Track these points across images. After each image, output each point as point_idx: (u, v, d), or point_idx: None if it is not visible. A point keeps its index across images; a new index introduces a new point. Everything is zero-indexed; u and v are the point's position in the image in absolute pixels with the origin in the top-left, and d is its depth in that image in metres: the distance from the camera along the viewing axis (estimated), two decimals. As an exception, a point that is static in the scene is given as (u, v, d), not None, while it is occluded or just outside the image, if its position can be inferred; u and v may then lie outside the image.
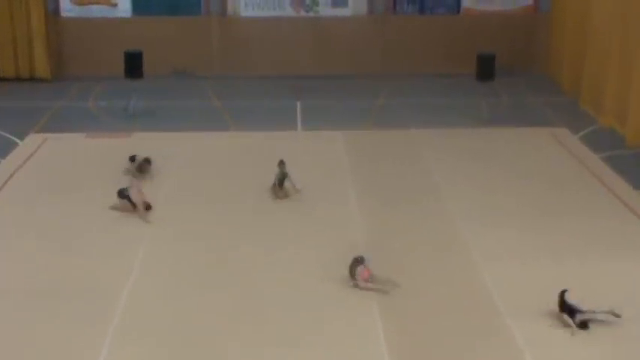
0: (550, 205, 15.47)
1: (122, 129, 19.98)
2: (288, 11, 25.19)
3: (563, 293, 11.43)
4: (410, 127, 20.10)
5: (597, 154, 18.20)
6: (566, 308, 11.31)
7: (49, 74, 24.45)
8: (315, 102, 22.41)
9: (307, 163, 17.26)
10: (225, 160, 17.99)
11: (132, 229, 14.38)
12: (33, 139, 19.12)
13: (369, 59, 25.14)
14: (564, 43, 23.24)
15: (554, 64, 24.24)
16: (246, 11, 25.14)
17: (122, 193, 15.02)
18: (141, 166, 16.73)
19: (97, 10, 24.84)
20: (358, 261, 12.38)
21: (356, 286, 12.29)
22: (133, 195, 14.95)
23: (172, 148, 18.42)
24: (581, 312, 11.24)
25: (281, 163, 15.79)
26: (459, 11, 25.34)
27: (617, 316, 11.33)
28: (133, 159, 16.83)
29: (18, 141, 19.01)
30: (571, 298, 11.38)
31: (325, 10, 25.20)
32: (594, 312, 11.29)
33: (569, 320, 11.20)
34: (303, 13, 25.25)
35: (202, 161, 17.91)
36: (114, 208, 15.06)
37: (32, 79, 24.39)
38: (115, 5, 24.86)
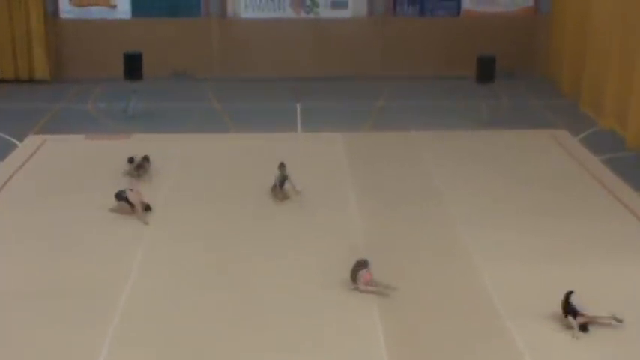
0: (550, 208, 15.45)
1: (121, 131, 19.96)
2: (288, 12, 25.18)
3: (568, 295, 11.39)
4: (410, 129, 20.08)
5: (597, 157, 18.18)
6: (570, 310, 11.27)
7: (49, 76, 24.44)
8: (314, 104, 22.39)
9: (307, 165, 17.23)
10: (224, 161, 17.96)
11: (131, 231, 14.35)
12: (32, 141, 19.10)
13: (369, 61, 25.12)
14: (564, 45, 23.23)
15: (554, 65, 24.22)
16: (246, 12, 25.13)
17: (120, 196, 15.00)
18: (139, 165, 16.75)
19: (96, 12, 24.81)
20: (362, 264, 12.35)
21: (356, 289, 12.26)
22: (131, 196, 14.94)
23: (172, 150, 18.40)
24: (581, 315, 11.21)
25: (281, 166, 15.77)
26: (459, 13, 25.34)
27: (619, 320, 11.30)
28: (131, 160, 16.83)
29: (17, 142, 18.98)
30: (575, 301, 11.35)
31: (325, 11, 25.19)
32: (595, 317, 11.27)
33: (574, 323, 11.17)
34: (303, 15, 25.24)
35: (202, 163, 17.88)
36: (113, 210, 15.04)
37: (31, 80, 24.38)
38: (114, 7, 24.84)
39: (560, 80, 23.56)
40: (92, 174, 17.04)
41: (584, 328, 11.19)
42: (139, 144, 18.51)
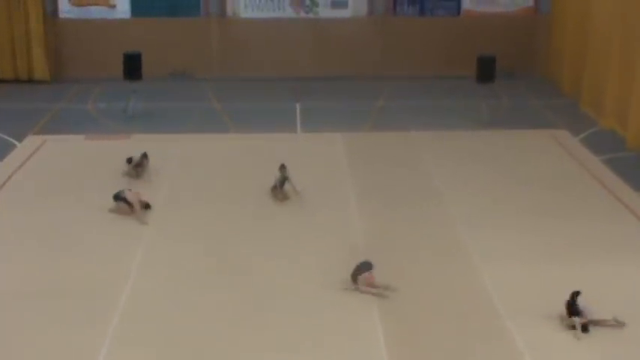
0: (550, 208, 15.43)
1: (121, 131, 19.94)
2: (288, 12, 25.17)
3: (575, 295, 11.35)
4: (410, 129, 20.07)
5: (598, 157, 18.17)
6: (574, 311, 11.25)
7: (48, 76, 24.42)
8: (314, 104, 22.38)
9: (307, 165, 17.22)
10: (224, 161, 17.95)
11: (130, 231, 14.34)
12: (32, 141, 19.08)
13: (369, 61, 25.11)
14: (564, 45, 23.22)
15: (554, 65, 24.22)
16: (245, 12, 25.12)
17: (118, 196, 14.99)
18: (138, 163, 16.75)
19: (95, 12, 24.80)
20: (365, 267, 12.30)
21: (357, 289, 12.24)
22: (129, 195, 14.92)
23: (172, 150, 18.39)
24: (583, 316, 11.19)
25: (282, 167, 15.75)
26: (459, 13, 25.32)
27: (621, 323, 11.28)
28: (130, 161, 16.82)
29: (16, 143, 18.96)
30: (582, 303, 11.32)
31: (325, 11, 25.18)
32: (598, 320, 11.25)
33: (578, 324, 11.14)
34: (302, 15, 25.22)
35: (202, 163, 17.87)
36: (112, 211, 15.02)
37: (31, 80, 24.37)
38: (113, 6, 24.82)
39: (560, 80, 23.55)
40: (92, 174, 17.03)
41: (584, 328, 11.18)
42: (138, 144, 18.47)
